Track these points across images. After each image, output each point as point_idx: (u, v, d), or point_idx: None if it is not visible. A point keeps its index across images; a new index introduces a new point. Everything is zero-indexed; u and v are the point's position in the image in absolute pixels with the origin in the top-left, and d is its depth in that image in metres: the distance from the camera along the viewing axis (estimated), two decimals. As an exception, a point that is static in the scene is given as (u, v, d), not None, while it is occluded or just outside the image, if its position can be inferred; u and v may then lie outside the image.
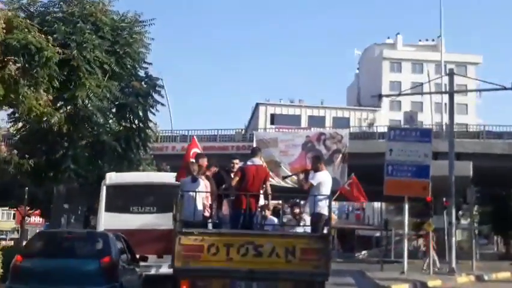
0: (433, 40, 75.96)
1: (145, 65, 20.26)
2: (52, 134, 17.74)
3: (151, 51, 19.91)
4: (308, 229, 10.94)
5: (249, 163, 11.02)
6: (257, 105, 73.65)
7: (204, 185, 10.79)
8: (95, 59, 17.73)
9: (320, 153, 30.22)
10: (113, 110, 20.22)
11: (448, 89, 25.67)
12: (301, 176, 11.96)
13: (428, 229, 23.49)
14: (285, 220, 11.99)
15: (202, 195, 10.61)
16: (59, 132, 17.45)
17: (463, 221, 39.30)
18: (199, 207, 10.52)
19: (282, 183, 26.75)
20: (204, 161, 11.48)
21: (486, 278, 22.64)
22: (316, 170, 11.23)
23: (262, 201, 11.54)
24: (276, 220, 11.86)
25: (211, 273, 9.78)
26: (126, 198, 14.75)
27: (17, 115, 17.59)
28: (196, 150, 13.38)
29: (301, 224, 11.84)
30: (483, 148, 35.12)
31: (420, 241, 36.85)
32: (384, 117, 68.70)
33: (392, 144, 21.93)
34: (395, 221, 46.73)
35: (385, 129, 29.85)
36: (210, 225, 10.85)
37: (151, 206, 14.69)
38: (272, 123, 68.66)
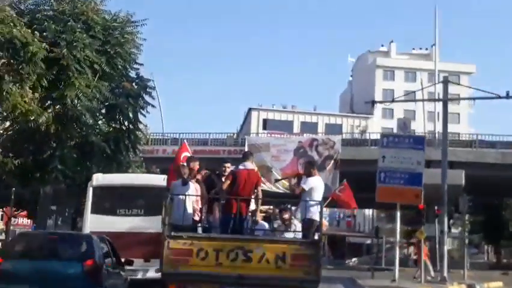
0: (426, 49, 76.13)
1: (136, 66, 20.12)
2: (40, 133, 17.47)
3: (142, 52, 19.74)
4: (299, 235, 10.76)
5: (240, 167, 10.86)
6: (249, 110, 73.45)
7: (194, 188, 10.64)
8: (85, 58, 17.52)
9: (312, 159, 29.96)
10: (103, 111, 20.02)
11: (442, 97, 25.46)
12: (294, 180, 11.75)
13: (420, 237, 23.27)
14: (276, 225, 11.77)
15: (192, 198, 10.47)
16: (46, 132, 17.21)
17: (454, 230, 39.19)
18: (189, 210, 10.38)
19: (274, 189, 26.60)
20: (196, 165, 11.32)
21: (478, 287, 22.50)
22: (308, 175, 11.07)
23: (253, 206, 11.31)
24: (267, 225, 11.73)
25: (199, 278, 9.65)
26: (113, 200, 14.53)
27: (5, 114, 17.26)
28: (186, 154, 13.17)
29: (290, 229, 11.61)
30: (476, 157, 35.04)
31: (411, 249, 36.72)
32: (376, 125, 68.66)
33: (384, 151, 21.69)
34: (386, 228, 46.57)
35: (377, 136, 29.67)
36: (199, 230, 10.69)
37: (138, 209, 14.48)
38: (264, 128, 68.46)
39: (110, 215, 14.16)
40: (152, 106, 20.90)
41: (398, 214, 21.88)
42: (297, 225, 11.18)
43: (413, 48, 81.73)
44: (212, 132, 40.50)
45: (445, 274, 22.22)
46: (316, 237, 10.25)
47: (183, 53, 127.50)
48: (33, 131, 17.41)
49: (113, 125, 20.04)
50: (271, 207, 13.45)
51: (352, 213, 70.24)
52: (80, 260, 9.59)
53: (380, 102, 37.41)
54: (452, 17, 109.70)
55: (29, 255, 9.94)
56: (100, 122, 20.14)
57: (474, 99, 25.83)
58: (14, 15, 13.59)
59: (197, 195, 10.60)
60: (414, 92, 35.57)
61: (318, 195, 10.67)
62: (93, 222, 13.88)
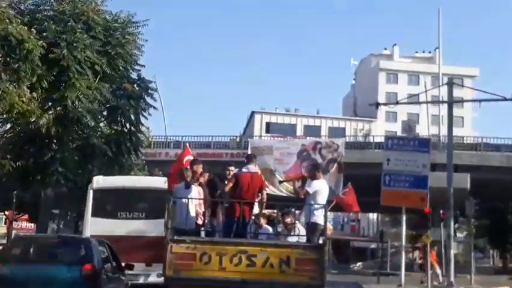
0: (430, 52, 75.91)
1: (137, 67, 19.89)
2: (40, 135, 17.27)
3: (144, 54, 19.52)
4: (303, 239, 10.60)
5: (244, 170, 10.76)
6: (252, 113, 73.28)
7: (197, 191, 10.50)
8: (86, 59, 17.33)
9: (315, 162, 29.69)
10: (104, 113, 19.84)
11: (447, 99, 25.17)
12: (298, 183, 11.57)
13: (426, 241, 22.96)
14: (280, 229, 11.55)
15: (195, 202, 10.33)
16: (47, 134, 17.04)
17: (459, 234, 38.87)
18: (192, 214, 10.23)
19: (277, 192, 26.35)
20: (199, 168, 11.18)
21: (485, 292, 22.18)
22: (313, 178, 10.95)
23: (256, 210, 11.12)
24: (270, 229, 11.54)
25: (203, 283, 9.54)
26: (114, 203, 14.32)
27: (5, 116, 17.05)
28: (190, 158, 12.94)
29: (293, 233, 11.39)
30: (481, 160, 34.79)
31: (416, 253, 36.39)
32: (380, 128, 68.40)
33: (389, 154, 21.42)
34: (390, 232, 46.30)
35: (381, 139, 29.38)
36: (202, 233, 10.55)
37: (139, 212, 14.26)
38: (267, 132, 68.20)
39: (111, 218, 13.95)
40: (154, 108, 20.73)
41: (404, 218, 21.59)
42: (301, 229, 11.03)
43: (416, 52, 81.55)
44: (215, 135, 40.28)
45: (452, 279, 21.89)
46: (320, 241, 10.12)
47: (186, 56, 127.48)
48: (33, 133, 17.23)
49: (115, 127, 19.84)
50: (275, 210, 13.24)
51: (356, 218, 69.98)
52: (78, 264, 9.35)
53: (384, 104, 37.03)
54: (456, 21, 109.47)
55: (27, 259, 9.74)
56: (101, 124, 19.96)
57: (480, 101, 25.43)
58: (11, 11, 13.30)
59: (200, 199, 10.45)
60: (418, 94, 35.33)
61: (322, 198, 10.53)
62: (93, 226, 13.67)
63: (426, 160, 21.19)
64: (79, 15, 17.76)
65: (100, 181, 14.59)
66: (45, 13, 17.72)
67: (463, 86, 39.56)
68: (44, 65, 15.98)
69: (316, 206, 10.31)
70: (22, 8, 17.71)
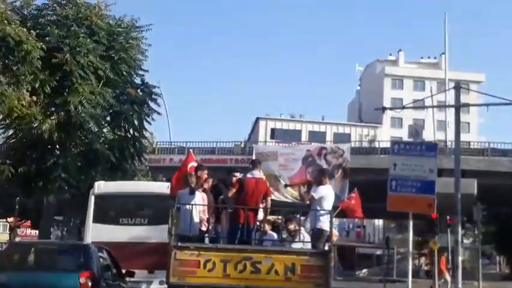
0: (435, 58, 75.71)
1: (141, 72, 19.74)
2: (43, 141, 17.13)
3: (148, 58, 19.38)
4: (308, 245, 10.44)
5: (248, 175, 10.65)
6: (257, 119, 73.19)
7: (201, 197, 10.41)
8: (89, 64, 17.22)
9: (320, 167, 29.46)
10: (107, 118, 19.69)
11: (454, 103, 24.92)
12: (303, 188, 11.39)
13: (433, 247, 22.68)
14: (284, 236, 11.35)
15: (199, 208, 10.23)
16: (50, 140, 16.91)
17: (465, 240, 38.52)
18: (196, 220, 10.16)
19: (282, 198, 26.11)
20: (204, 173, 11.07)
21: (494, 299, 21.88)
22: (319, 183, 10.86)
23: (261, 216, 10.95)
24: (275, 235, 11.42)
25: None
26: (115, 209, 14.13)
27: (7, 121, 16.91)
28: (194, 164, 12.74)
29: (297, 239, 11.19)
30: (488, 165, 34.53)
31: (423, 260, 36.08)
32: (385, 134, 68.17)
33: (395, 159, 21.11)
34: (396, 238, 45.96)
35: (387, 145, 29.17)
36: (206, 240, 10.49)
37: (142, 218, 14.05)
38: (272, 137, 68.11)
39: (113, 224, 13.74)
40: (158, 113, 20.55)
41: (411, 223, 21.30)
42: (305, 235, 10.88)
43: (422, 57, 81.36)
44: (219, 141, 40.13)
45: (460, 286, 21.59)
46: (326, 247, 10.00)
47: (191, 62, 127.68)
48: (36, 138, 17.10)
49: (118, 133, 19.68)
50: (280, 217, 13.06)
51: (361, 224, 69.61)
52: (76, 272, 9.09)
53: (391, 108, 36.74)
54: (461, 26, 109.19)
55: (23, 266, 9.56)
56: (104, 130, 19.78)
57: (487, 105, 25.18)
58: (14, 16, 13.18)
59: (204, 205, 10.33)
60: (423, 99, 35.12)
61: (328, 204, 10.43)
62: (95, 232, 13.46)
63: (433, 165, 20.89)
64: (82, 19, 17.70)
65: (101, 186, 14.40)
66: (48, 18, 17.66)
67: (469, 90, 39.26)
68: (46, 70, 15.87)
69: (322, 211, 10.17)
70: (25, 13, 17.64)
